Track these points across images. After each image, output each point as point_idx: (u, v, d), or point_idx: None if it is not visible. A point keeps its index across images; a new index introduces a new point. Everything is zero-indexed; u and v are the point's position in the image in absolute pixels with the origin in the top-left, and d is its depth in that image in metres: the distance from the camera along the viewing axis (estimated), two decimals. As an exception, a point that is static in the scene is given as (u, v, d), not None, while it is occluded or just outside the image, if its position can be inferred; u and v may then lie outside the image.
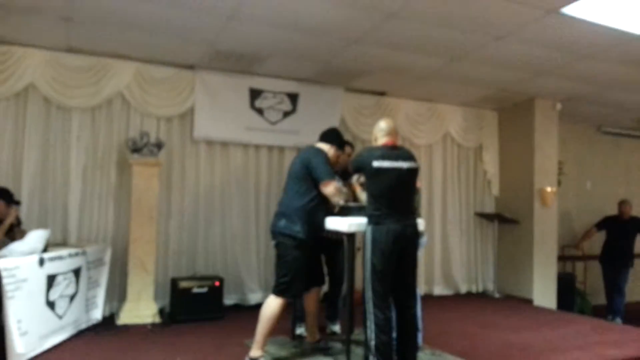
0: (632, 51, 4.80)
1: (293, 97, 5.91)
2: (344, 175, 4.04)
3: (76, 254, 4.26)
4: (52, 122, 5.00)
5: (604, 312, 6.79)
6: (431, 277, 6.70)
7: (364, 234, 3.38)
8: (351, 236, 3.55)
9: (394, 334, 3.39)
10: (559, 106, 6.69)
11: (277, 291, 3.51)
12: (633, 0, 3.82)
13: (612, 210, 7.13)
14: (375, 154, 3.41)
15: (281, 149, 5.94)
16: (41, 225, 4.64)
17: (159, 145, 5.04)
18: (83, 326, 4.38)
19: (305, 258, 3.55)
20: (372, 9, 3.98)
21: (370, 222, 3.35)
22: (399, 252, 3.31)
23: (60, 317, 3.99)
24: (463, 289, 6.90)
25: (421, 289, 6.06)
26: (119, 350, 3.92)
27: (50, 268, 3.85)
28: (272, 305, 3.48)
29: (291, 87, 5.88)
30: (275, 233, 3.62)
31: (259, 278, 5.76)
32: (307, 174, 3.58)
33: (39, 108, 4.95)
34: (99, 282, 4.72)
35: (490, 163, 7.16)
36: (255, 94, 5.73)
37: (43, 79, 4.87)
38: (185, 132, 5.54)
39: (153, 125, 5.33)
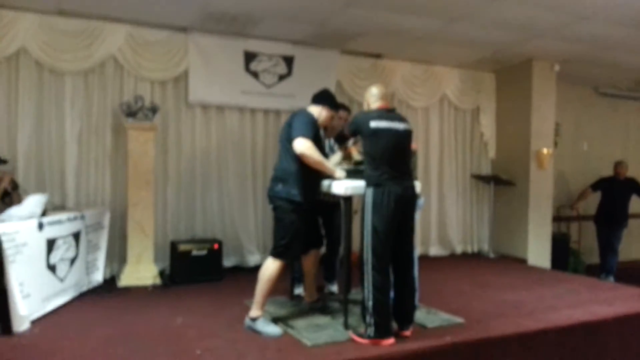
0: (633, 12, 4.73)
1: (288, 60, 5.84)
2: (340, 140, 3.95)
3: (75, 218, 4.29)
4: (45, 87, 4.95)
5: (597, 271, 6.90)
6: (427, 238, 6.78)
7: (362, 196, 3.38)
8: (348, 199, 3.54)
9: (392, 294, 3.42)
10: (557, 67, 6.63)
11: (275, 254, 3.52)
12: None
13: (609, 172, 7.16)
14: (372, 115, 3.42)
15: (277, 113, 5.89)
16: (39, 190, 4.66)
17: (153, 110, 5.01)
18: (84, 289, 4.45)
19: (302, 221, 3.55)
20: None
21: (369, 184, 3.34)
22: (399, 214, 3.32)
23: (61, 280, 4.05)
24: (458, 250, 6.99)
25: (417, 250, 6.12)
26: (120, 311, 3.99)
27: (49, 232, 3.88)
28: (270, 267, 3.50)
29: (286, 49, 5.80)
30: (273, 197, 3.60)
31: (257, 241, 5.83)
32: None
33: (31, 72, 4.89)
34: (99, 245, 4.77)
35: (487, 125, 7.14)
36: (250, 57, 5.66)
37: (34, 43, 4.79)
38: (180, 96, 5.49)
39: (147, 89, 5.28)
